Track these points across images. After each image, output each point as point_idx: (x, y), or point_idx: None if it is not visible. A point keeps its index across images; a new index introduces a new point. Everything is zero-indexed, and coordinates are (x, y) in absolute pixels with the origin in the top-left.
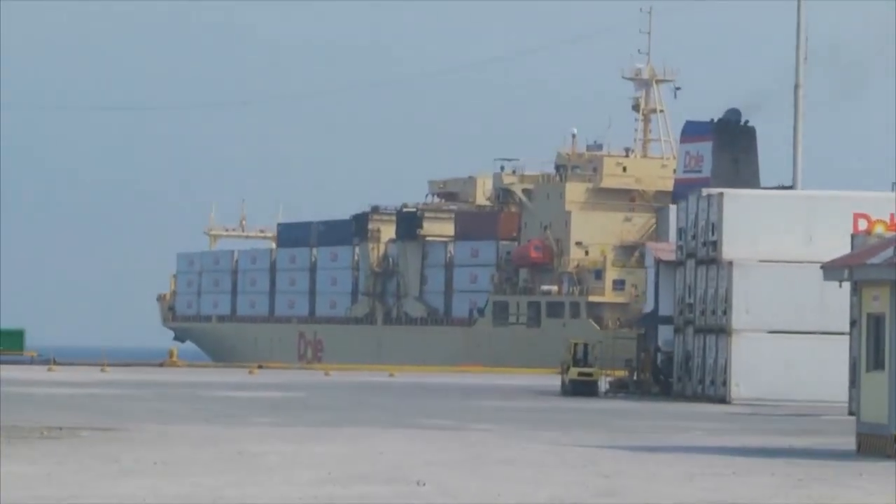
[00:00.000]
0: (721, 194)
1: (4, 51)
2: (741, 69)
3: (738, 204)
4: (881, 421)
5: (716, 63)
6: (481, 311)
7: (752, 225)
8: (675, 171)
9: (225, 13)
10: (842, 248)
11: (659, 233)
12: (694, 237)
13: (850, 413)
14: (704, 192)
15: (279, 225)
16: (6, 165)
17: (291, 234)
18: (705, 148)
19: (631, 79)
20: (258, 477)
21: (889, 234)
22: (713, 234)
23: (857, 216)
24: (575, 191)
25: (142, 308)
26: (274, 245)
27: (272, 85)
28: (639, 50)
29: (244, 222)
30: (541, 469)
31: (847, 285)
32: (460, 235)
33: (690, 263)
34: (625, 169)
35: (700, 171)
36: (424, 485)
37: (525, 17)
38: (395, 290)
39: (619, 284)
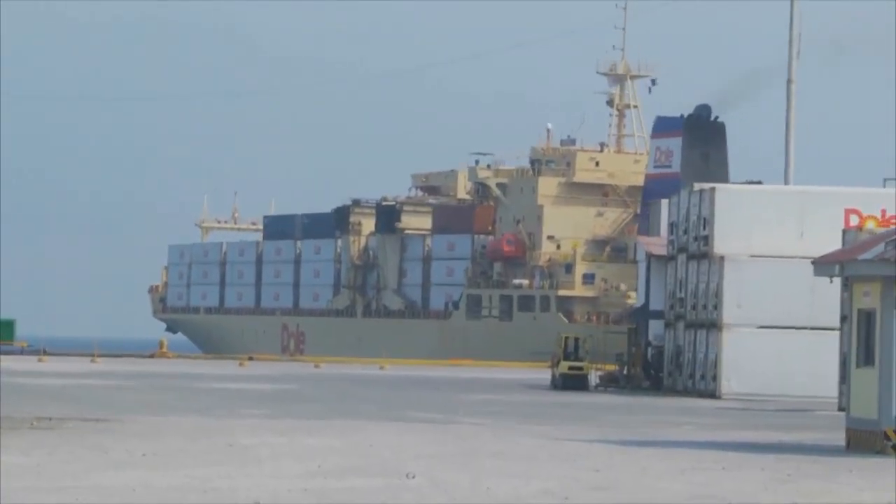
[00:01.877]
0: (713, 189)
1: None
2: (717, 65)
3: (729, 199)
4: (871, 416)
5: (692, 59)
6: (456, 305)
7: (743, 220)
8: (647, 166)
9: (217, 7)
10: (833, 243)
11: (650, 227)
12: (685, 232)
13: (840, 409)
14: (696, 186)
15: (265, 217)
16: None
17: (277, 227)
18: (675, 143)
19: (605, 74)
20: (249, 469)
21: (880, 230)
22: (705, 228)
23: (848, 212)
24: (547, 185)
25: (134, 299)
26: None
27: (264, 78)
28: (613, 46)
29: (236, 215)
30: (532, 463)
31: (838, 281)
32: (438, 229)
33: (682, 258)
34: (597, 164)
35: (670, 167)
36: (415, 477)
37: (509, 12)
38: (374, 283)
39: (588, 278)
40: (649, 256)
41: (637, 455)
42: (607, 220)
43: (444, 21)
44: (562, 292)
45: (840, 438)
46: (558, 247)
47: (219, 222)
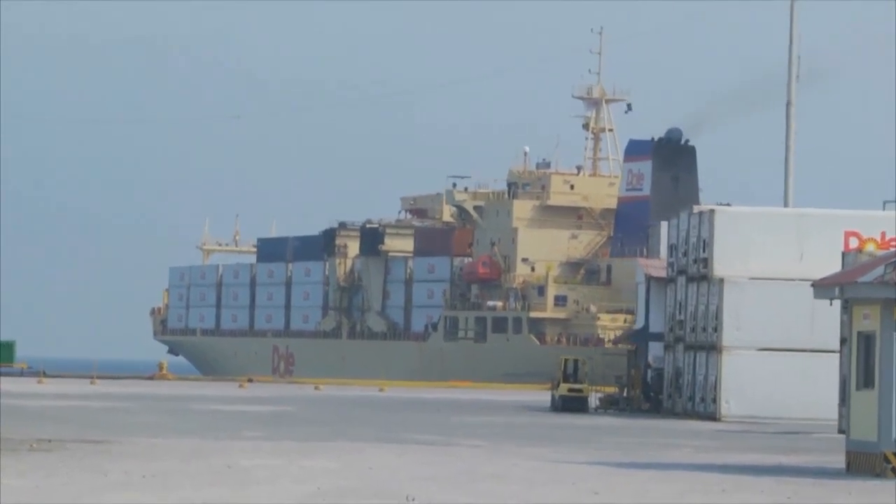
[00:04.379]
0: (713, 211)
1: None
2: (695, 88)
3: (729, 221)
4: (871, 439)
5: (670, 81)
6: (434, 326)
7: (743, 242)
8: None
9: (214, 33)
10: (833, 265)
11: (649, 249)
12: (685, 254)
13: (840, 431)
14: (696, 208)
15: (259, 240)
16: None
17: (270, 249)
18: (647, 166)
19: (581, 98)
20: (247, 491)
21: (880, 253)
22: (704, 250)
23: (848, 234)
24: (522, 208)
25: (136, 321)
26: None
27: (265, 100)
28: (589, 70)
29: (237, 237)
30: (530, 485)
31: (838, 303)
32: (419, 251)
33: (681, 280)
34: (572, 187)
35: (641, 189)
36: (413, 500)
37: (491, 39)
38: (360, 305)
39: (560, 300)
40: (649, 278)
41: (636, 477)
42: (581, 243)
43: (429, 47)
44: (534, 314)
45: (840, 461)
46: (532, 269)
47: (220, 245)
